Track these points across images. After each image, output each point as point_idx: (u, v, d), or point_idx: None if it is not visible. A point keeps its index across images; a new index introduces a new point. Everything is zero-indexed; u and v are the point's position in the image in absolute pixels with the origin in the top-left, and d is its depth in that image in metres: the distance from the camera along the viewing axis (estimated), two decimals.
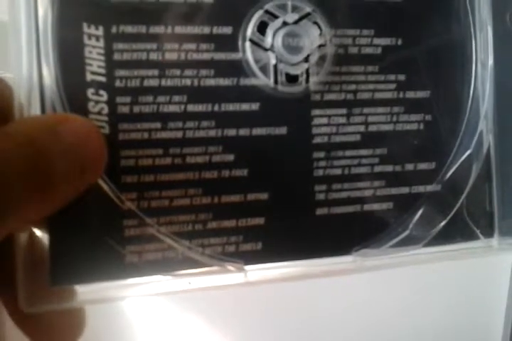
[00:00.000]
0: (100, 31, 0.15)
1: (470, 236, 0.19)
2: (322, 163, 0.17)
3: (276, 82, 0.16)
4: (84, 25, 0.15)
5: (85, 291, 0.15)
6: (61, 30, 0.15)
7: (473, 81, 0.19)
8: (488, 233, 0.19)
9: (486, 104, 0.19)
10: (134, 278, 0.15)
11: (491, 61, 0.19)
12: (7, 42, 0.14)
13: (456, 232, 0.19)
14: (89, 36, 0.15)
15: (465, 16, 0.19)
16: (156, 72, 0.15)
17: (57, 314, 0.15)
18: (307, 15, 0.17)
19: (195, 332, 0.33)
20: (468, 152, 0.19)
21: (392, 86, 0.18)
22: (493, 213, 0.19)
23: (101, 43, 0.15)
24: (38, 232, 0.15)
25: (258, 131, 0.16)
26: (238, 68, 0.16)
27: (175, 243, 0.16)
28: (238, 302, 0.32)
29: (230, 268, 0.16)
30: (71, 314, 0.16)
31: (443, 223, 0.18)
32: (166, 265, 0.16)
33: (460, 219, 0.19)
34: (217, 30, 0.16)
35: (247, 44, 0.16)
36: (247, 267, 0.16)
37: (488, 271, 0.36)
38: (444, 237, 0.19)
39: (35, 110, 0.14)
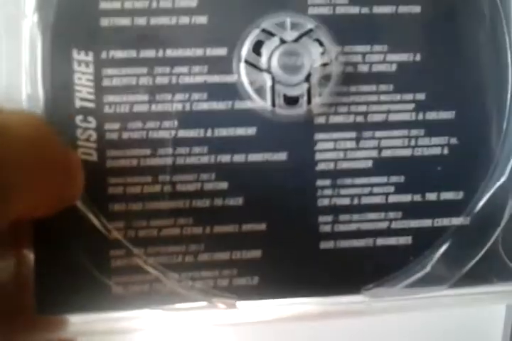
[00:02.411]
0: (90, 57, 0.15)
1: (509, 277, 0.16)
2: (327, 192, 0.16)
3: (273, 104, 0.15)
4: (74, 51, 0.15)
5: (74, 323, 0.15)
6: (51, 58, 0.15)
7: (510, 97, 0.16)
8: None
9: None
10: (121, 310, 0.15)
11: None
12: None
13: (490, 272, 0.16)
14: (79, 62, 0.15)
15: (496, 20, 0.16)
16: (145, 97, 0.15)
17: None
18: (308, 32, 0.15)
19: None
20: (503, 179, 0.16)
21: (410, 106, 0.16)
22: None
23: (90, 69, 0.15)
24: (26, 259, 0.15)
25: (254, 157, 0.15)
26: (233, 91, 0.15)
27: (163, 275, 0.15)
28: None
29: (221, 305, 0.15)
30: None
31: (473, 261, 0.16)
32: (154, 298, 0.15)
33: (495, 257, 0.16)
34: (210, 51, 0.15)
35: (242, 65, 0.15)
36: (241, 303, 0.15)
37: None
38: (475, 277, 0.16)
39: None
